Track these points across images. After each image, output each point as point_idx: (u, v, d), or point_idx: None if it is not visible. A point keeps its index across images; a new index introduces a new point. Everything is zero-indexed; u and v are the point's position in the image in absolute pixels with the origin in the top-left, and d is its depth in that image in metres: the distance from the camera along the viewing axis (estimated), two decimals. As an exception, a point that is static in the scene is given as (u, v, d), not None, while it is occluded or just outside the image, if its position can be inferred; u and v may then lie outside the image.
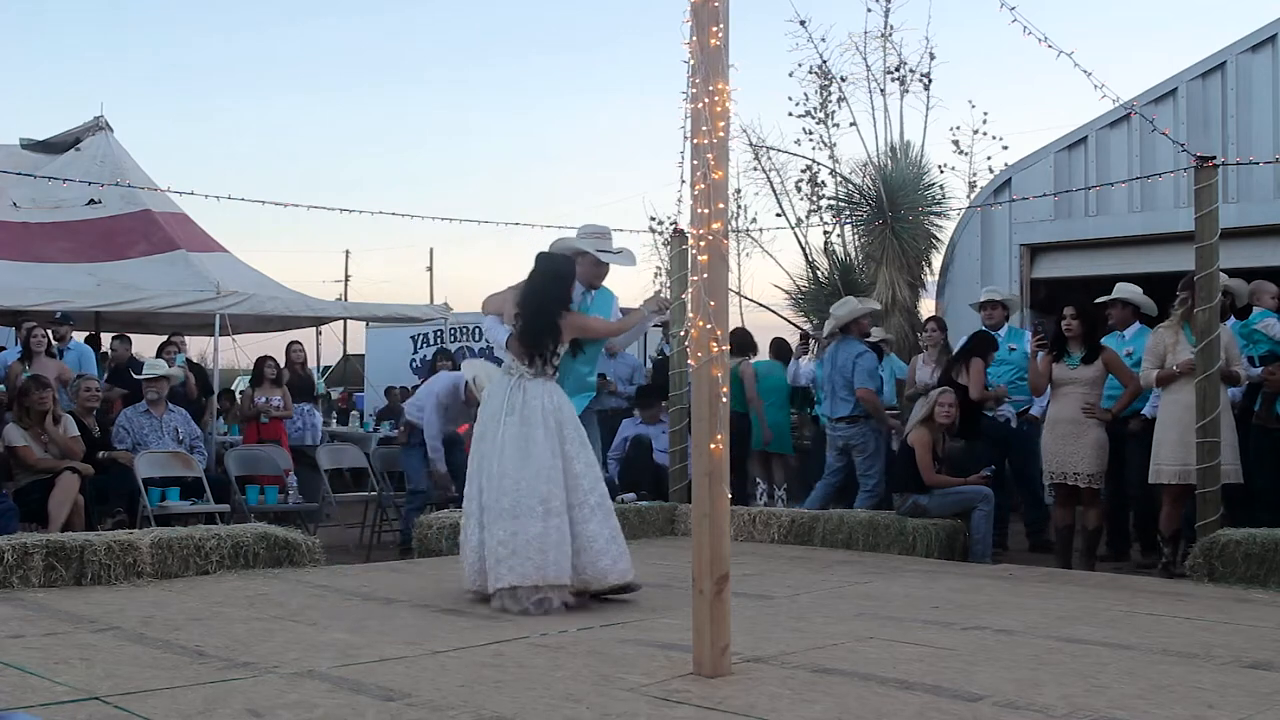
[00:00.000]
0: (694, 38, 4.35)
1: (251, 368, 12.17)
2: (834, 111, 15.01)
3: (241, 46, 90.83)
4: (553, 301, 6.20)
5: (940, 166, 14.93)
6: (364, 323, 16.49)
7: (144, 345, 14.97)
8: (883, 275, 13.07)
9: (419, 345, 17.02)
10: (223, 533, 7.34)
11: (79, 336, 12.20)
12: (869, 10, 14.71)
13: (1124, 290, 8.81)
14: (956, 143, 15.41)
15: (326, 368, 18.68)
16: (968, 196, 14.35)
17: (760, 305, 16.23)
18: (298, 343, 13.25)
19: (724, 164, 4.41)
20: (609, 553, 5.94)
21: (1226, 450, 7.38)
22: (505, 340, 6.28)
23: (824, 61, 14.91)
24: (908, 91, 14.76)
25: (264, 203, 13.11)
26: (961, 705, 4.00)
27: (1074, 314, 8.18)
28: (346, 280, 47.15)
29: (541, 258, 6.40)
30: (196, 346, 15.00)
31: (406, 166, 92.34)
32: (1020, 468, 9.18)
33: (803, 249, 14.92)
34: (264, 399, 11.63)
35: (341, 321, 15.83)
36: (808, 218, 15.02)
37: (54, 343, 11.21)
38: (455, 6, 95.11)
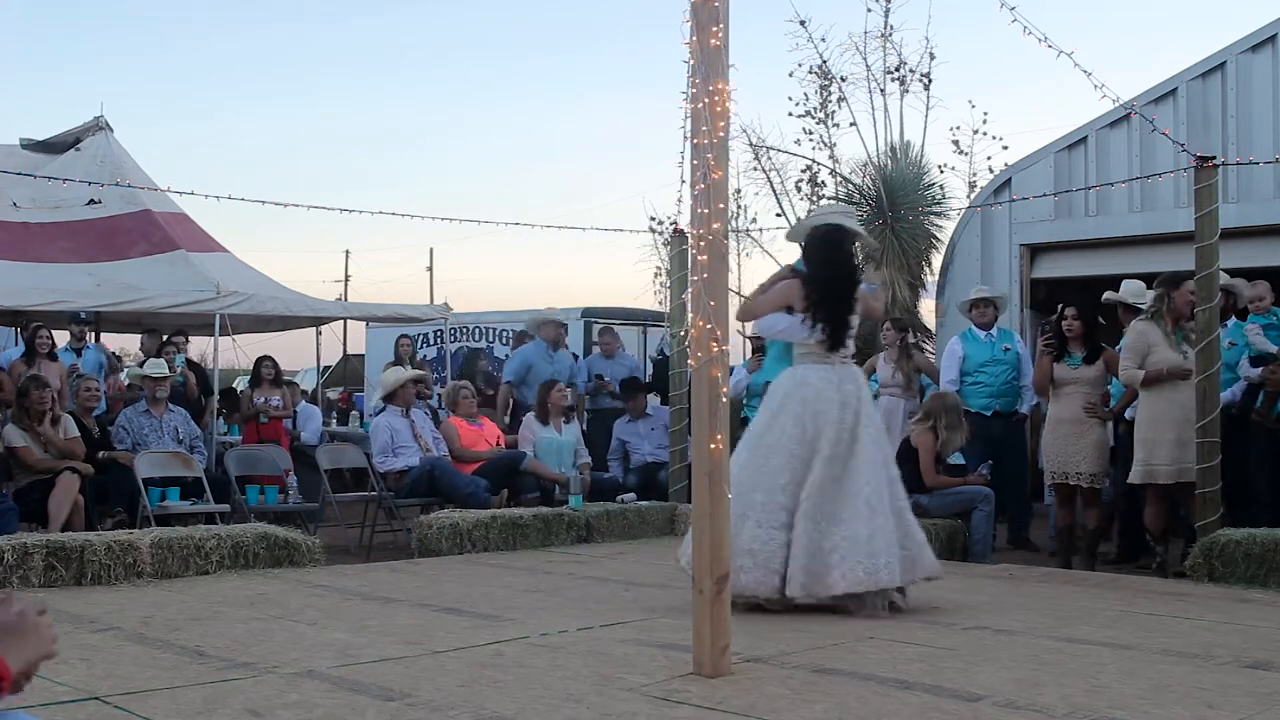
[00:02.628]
0: (694, 38, 4.35)
1: (251, 368, 12.19)
2: (834, 111, 15.00)
3: (241, 46, 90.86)
4: (852, 279, 6.12)
5: (940, 166, 14.91)
6: (364, 323, 16.47)
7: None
8: (883, 275, 13.07)
9: (419, 345, 17.02)
10: (223, 533, 7.35)
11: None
12: (869, 10, 14.70)
13: (1122, 291, 8.84)
14: (956, 143, 15.39)
15: (327, 368, 18.64)
16: (968, 196, 14.34)
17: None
18: (405, 336, 13.29)
19: (724, 164, 4.42)
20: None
21: (1186, 449, 7.38)
22: (809, 333, 5.96)
23: (824, 61, 14.90)
24: (908, 91, 14.75)
25: (264, 203, 13.13)
26: (961, 705, 4.00)
27: (1075, 314, 8.18)
28: (346, 280, 47.17)
29: (823, 239, 6.14)
30: (196, 346, 14.98)
31: (406, 166, 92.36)
32: (1008, 466, 9.13)
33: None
34: (263, 399, 11.64)
35: (341, 321, 15.80)
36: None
37: (75, 342, 11.28)
38: (455, 6, 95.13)
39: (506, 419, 11.35)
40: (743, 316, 6.54)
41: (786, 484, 5.75)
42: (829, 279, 6.02)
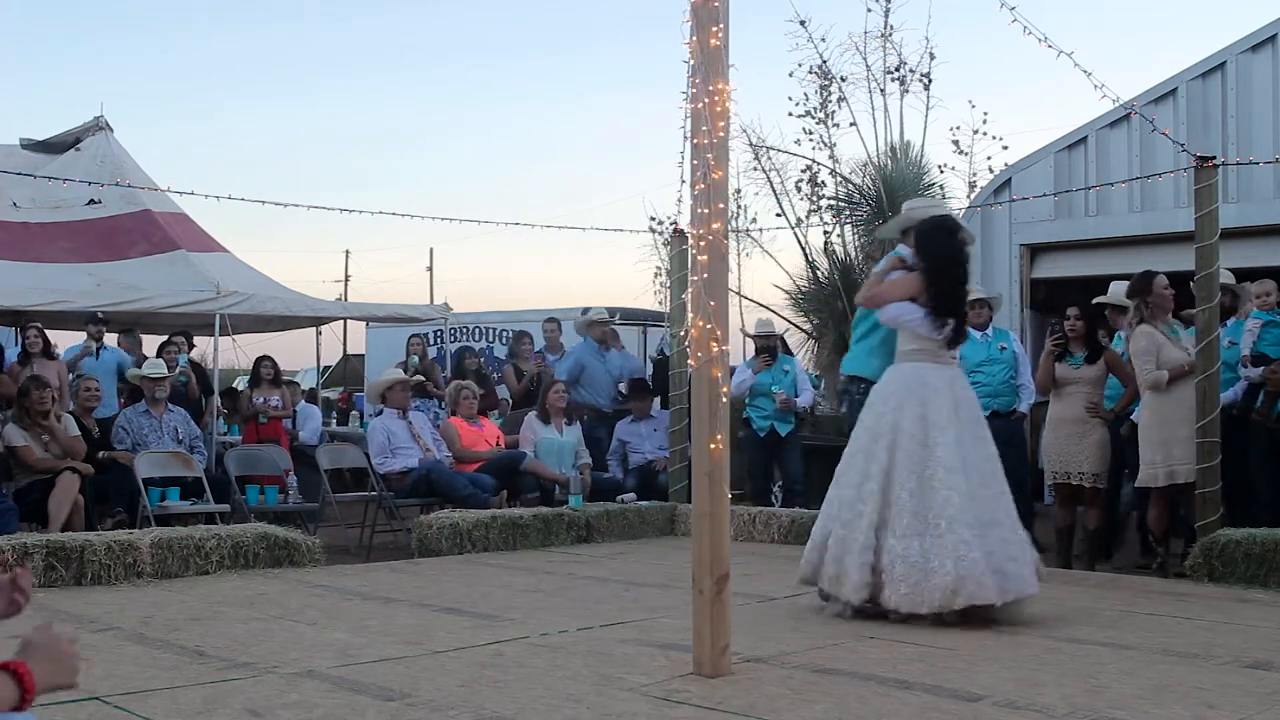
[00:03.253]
0: (694, 38, 4.35)
1: (250, 368, 12.19)
2: (834, 111, 14.98)
3: (241, 46, 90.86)
4: (967, 274, 5.94)
5: (940, 166, 14.90)
6: (364, 323, 16.48)
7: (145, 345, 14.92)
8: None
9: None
10: (223, 533, 7.35)
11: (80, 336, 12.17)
12: (869, 10, 14.68)
13: (1111, 294, 8.91)
14: (956, 143, 15.36)
15: (327, 368, 18.64)
16: (968, 196, 14.31)
17: (760, 305, 16.23)
18: (416, 336, 13.22)
19: (724, 164, 4.42)
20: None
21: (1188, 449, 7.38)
22: (935, 328, 5.76)
23: (824, 61, 14.89)
24: (908, 91, 14.73)
25: (264, 203, 13.11)
26: (961, 705, 4.00)
27: (1078, 314, 8.19)
28: (346, 280, 47.19)
29: (939, 230, 5.94)
30: (196, 346, 15.01)
31: (406, 166, 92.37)
32: (1007, 465, 9.08)
33: (803, 249, 14.90)
34: (262, 399, 11.63)
35: (341, 321, 15.80)
36: (808, 218, 15.00)
37: (92, 342, 11.27)
38: (455, 6, 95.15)
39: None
40: (869, 303, 6.12)
41: (917, 486, 5.55)
42: (950, 272, 5.86)
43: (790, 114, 15.20)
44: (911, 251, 6.08)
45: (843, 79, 14.82)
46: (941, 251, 5.90)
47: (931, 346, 5.80)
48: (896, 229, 6.36)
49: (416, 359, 12.79)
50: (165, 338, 12.12)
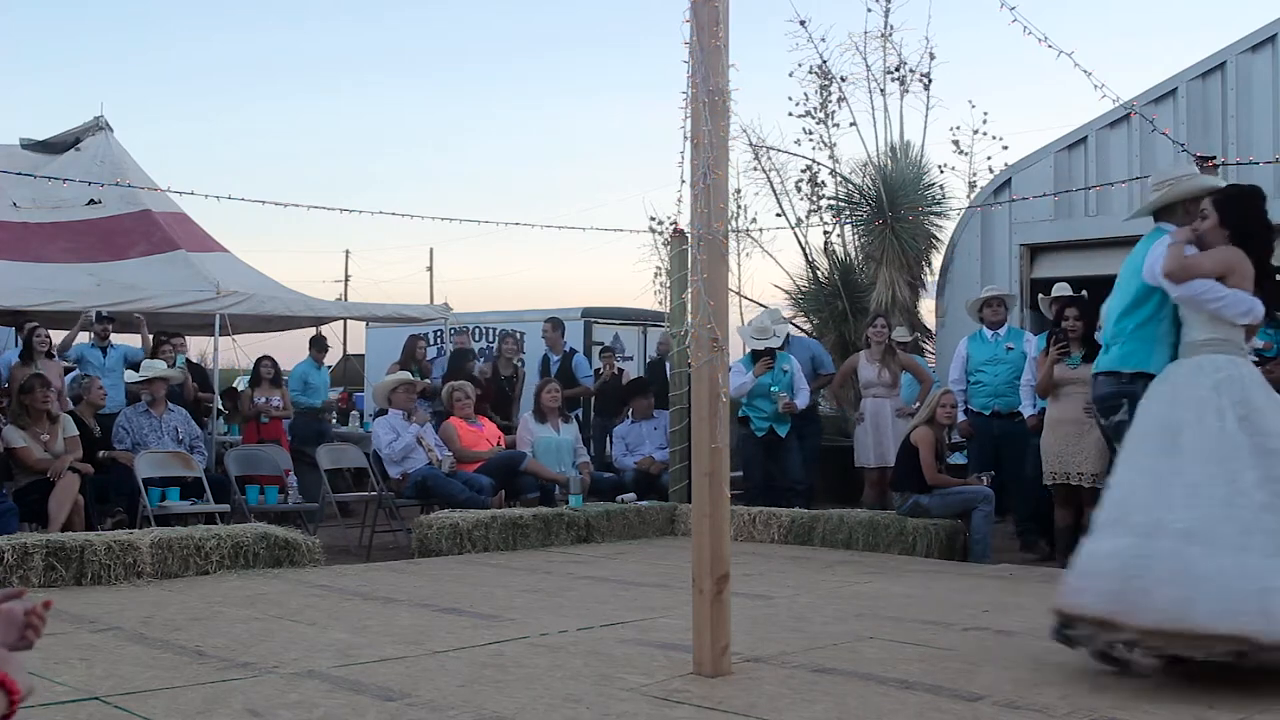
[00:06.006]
0: (694, 38, 4.35)
1: (250, 368, 12.18)
2: (834, 111, 15.00)
3: (241, 46, 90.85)
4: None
5: (940, 166, 14.92)
6: (364, 323, 16.49)
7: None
8: (883, 275, 13.07)
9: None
10: (223, 533, 7.35)
11: (83, 337, 12.17)
12: (869, 10, 14.71)
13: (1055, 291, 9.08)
14: (956, 143, 15.40)
15: (327, 367, 18.65)
16: (968, 196, 14.32)
17: (760, 305, 16.23)
18: (418, 337, 13.15)
19: (724, 164, 4.42)
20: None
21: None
22: (1248, 314, 4.84)
23: (824, 61, 14.91)
24: (908, 91, 14.76)
25: (264, 203, 13.06)
26: (961, 705, 4.00)
27: (1077, 315, 8.20)
28: (346, 280, 47.24)
29: (1251, 199, 5.05)
30: (196, 346, 15.01)
31: (407, 166, 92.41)
32: (1010, 466, 9.11)
33: (803, 249, 14.92)
34: (263, 399, 11.63)
35: (341, 321, 15.81)
36: (808, 218, 15.02)
37: (99, 341, 11.27)
38: (455, 7, 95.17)
39: None
40: (1179, 276, 5.03)
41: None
42: (1268, 247, 5.00)
43: (790, 114, 15.25)
44: (1203, 226, 5.10)
45: (843, 79, 14.85)
46: (1258, 228, 5.02)
47: (1236, 336, 4.90)
48: (1163, 201, 5.41)
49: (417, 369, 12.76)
50: (163, 338, 12.11)
